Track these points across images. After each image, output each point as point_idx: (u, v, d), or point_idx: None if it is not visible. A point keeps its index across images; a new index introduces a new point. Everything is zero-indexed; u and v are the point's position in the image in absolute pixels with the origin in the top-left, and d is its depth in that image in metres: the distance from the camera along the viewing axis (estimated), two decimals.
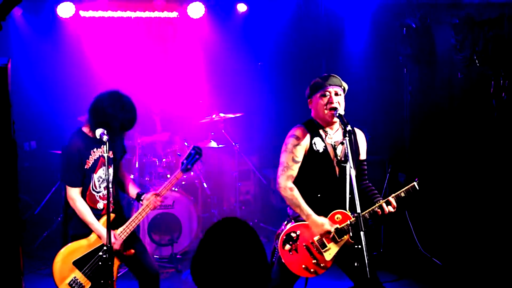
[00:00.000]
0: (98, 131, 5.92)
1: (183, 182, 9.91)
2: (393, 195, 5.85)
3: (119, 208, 6.49)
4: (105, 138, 5.82)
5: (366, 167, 6.19)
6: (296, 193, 5.81)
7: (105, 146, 5.85)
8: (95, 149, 6.18)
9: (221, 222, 3.34)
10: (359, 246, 5.45)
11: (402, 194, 5.85)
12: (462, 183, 9.40)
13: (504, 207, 9.08)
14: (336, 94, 5.84)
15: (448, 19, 10.03)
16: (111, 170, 6.23)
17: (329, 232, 5.79)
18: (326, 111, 5.83)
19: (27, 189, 10.21)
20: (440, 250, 9.29)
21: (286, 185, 5.84)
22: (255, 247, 3.31)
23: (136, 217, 6.32)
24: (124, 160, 6.81)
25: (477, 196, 9.10)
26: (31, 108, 10.57)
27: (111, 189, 6.12)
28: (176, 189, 9.46)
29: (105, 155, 5.84)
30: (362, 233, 5.34)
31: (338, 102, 5.83)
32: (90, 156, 6.16)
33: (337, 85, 5.86)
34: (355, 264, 5.70)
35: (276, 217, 11.00)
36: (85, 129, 6.21)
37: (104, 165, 6.22)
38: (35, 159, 10.96)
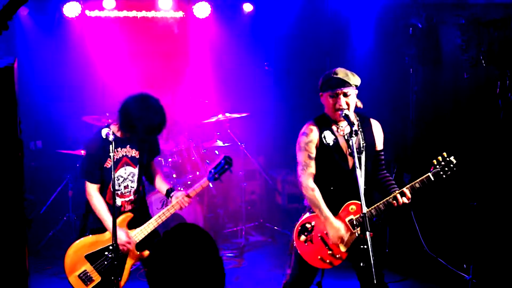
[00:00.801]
0: (104, 131, 5.96)
1: (189, 182, 9.91)
2: (408, 185, 5.88)
3: (142, 207, 6.52)
4: (111, 138, 5.85)
5: (383, 157, 6.22)
6: (317, 194, 5.86)
7: (111, 146, 5.86)
8: (119, 148, 6.21)
9: (174, 228, 3.36)
10: (365, 247, 5.45)
11: (417, 185, 5.88)
12: (467, 183, 9.38)
13: (510, 208, 9.06)
14: (345, 95, 5.86)
15: (454, 19, 10.01)
16: (134, 170, 6.28)
17: (341, 238, 5.83)
18: (334, 111, 5.87)
19: (32, 188, 10.23)
20: (446, 251, 9.27)
21: (308, 184, 5.90)
22: (209, 252, 3.33)
23: (159, 216, 6.36)
24: (156, 159, 6.87)
25: (483, 196, 9.08)
26: (37, 108, 10.59)
27: (130, 188, 6.20)
28: (181, 189, 9.46)
29: (111, 154, 5.86)
30: (368, 233, 5.35)
31: (347, 103, 5.85)
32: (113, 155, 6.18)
33: (346, 86, 5.86)
34: (361, 264, 5.73)
35: (281, 217, 11.02)
36: (113, 128, 6.22)
37: (127, 165, 6.26)
38: (41, 159, 10.97)
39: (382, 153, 6.21)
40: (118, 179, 6.25)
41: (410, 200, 5.89)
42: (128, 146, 6.24)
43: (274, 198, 11.87)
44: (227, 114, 10.25)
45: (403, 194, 5.87)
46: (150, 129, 6.08)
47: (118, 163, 6.20)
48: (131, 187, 6.33)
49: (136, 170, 6.33)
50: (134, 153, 6.28)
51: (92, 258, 6.22)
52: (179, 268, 3.21)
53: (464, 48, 9.76)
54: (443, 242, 9.44)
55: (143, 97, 6.12)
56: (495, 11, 9.52)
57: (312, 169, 5.92)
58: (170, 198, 6.50)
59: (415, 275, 8.90)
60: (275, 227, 10.88)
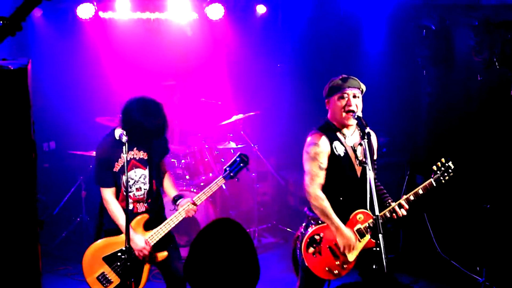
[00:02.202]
0: (117, 132, 5.99)
1: (202, 184, 9.93)
2: (411, 193, 5.90)
3: (157, 208, 6.54)
4: (124, 139, 5.87)
5: (376, 167, 6.21)
6: (326, 204, 5.84)
7: (124, 148, 5.88)
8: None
9: (212, 224, 3.38)
10: (378, 249, 5.45)
11: (421, 192, 5.88)
12: (481, 185, 9.35)
13: None
14: (354, 96, 5.84)
15: (467, 21, 9.98)
16: (144, 171, 6.30)
17: (353, 248, 5.83)
18: (343, 114, 5.84)
19: (46, 189, 10.26)
20: (459, 253, 9.25)
21: (317, 194, 5.86)
22: (246, 247, 3.36)
23: (167, 223, 6.37)
24: (166, 160, 6.89)
25: (496, 198, 9.04)
26: (50, 109, 10.61)
27: (143, 190, 6.23)
28: (194, 190, 9.47)
29: (124, 155, 5.88)
30: (380, 235, 5.34)
31: (356, 105, 5.83)
32: (120, 159, 6.22)
33: (355, 87, 5.85)
34: (373, 266, 5.74)
35: (294, 219, 11.00)
36: (118, 131, 6.26)
37: (136, 167, 6.29)
38: (54, 160, 11.00)
39: (376, 162, 6.20)
40: (129, 182, 6.26)
41: (408, 210, 5.91)
42: (135, 148, 6.27)
43: (287, 199, 11.86)
44: (240, 115, 10.24)
45: (400, 206, 5.90)
46: (152, 132, 6.13)
47: (127, 166, 6.22)
48: (144, 189, 6.35)
49: (146, 172, 6.35)
50: (142, 154, 6.30)
51: (110, 260, 6.25)
52: (217, 262, 3.24)
53: (477, 50, 9.72)
54: (456, 244, 9.42)
55: (143, 101, 6.16)
56: (508, 12, 9.48)
57: (321, 179, 5.88)
58: (176, 206, 6.50)
59: (428, 276, 8.90)
60: (288, 229, 10.89)
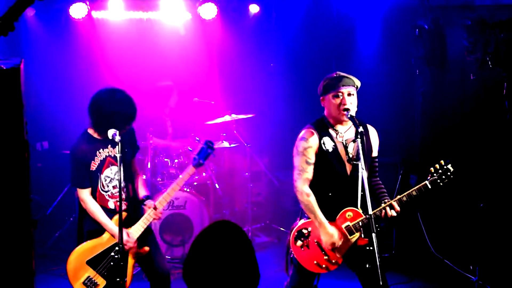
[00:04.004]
0: (110, 132, 5.97)
1: (195, 183, 9.93)
2: (405, 193, 5.87)
3: (134, 206, 6.51)
4: (117, 138, 5.86)
5: (377, 164, 6.21)
6: (312, 199, 5.88)
7: (117, 146, 5.87)
8: (101, 150, 6.25)
9: (212, 225, 3.37)
10: (371, 248, 5.46)
11: (414, 193, 5.88)
12: (474, 185, 9.37)
13: None
14: (349, 94, 5.86)
15: (460, 21, 10.00)
16: (115, 167, 6.30)
17: (334, 245, 5.85)
18: (339, 111, 5.85)
19: (39, 189, 10.24)
20: (452, 252, 9.27)
21: (303, 189, 5.91)
22: (245, 249, 3.34)
23: (145, 218, 6.36)
24: (137, 159, 6.86)
25: (489, 198, 9.06)
26: (43, 109, 10.60)
27: (123, 188, 6.18)
28: (188, 190, 9.48)
29: (118, 155, 5.86)
30: (374, 234, 5.35)
31: (351, 102, 5.84)
32: (96, 158, 6.23)
33: (350, 85, 5.87)
34: (367, 265, 5.75)
35: (287, 219, 10.98)
36: (90, 131, 6.27)
37: (112, 165, 6.28)
38: (48, 160, 10.97)
39: (377, 159, 6.20)
40: (105, 180, 6.26)
41: (399, 213, 5.90)
42: (110, 145, 6.25)
43: (280, 199, 11.87)
44: (233, 115, 10.23)
45: (392, 207, 5.88)
46: (122, 121, 6.12)
47: (103, 165, 6.23)
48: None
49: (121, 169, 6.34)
50: (116, 151, 6.28)
51: (94, 263, 6.22)
52: (216, 265, 3.23)
53: (470, 50, 9.74)
54: (450, 243, 9.43)
55: (110, 91, 6.18)
56: (501, 12, 9.50)
57: (309, 174, 5.92)
58: (144, 207, 6.50)
59: (422, 276, 8.92)
60: (281, 228, 10.90)
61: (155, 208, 6.38)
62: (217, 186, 10.46)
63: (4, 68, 3.48)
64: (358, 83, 5.96)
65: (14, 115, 3.54)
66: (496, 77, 9.26)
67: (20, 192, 3.59)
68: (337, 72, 5.98)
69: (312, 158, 5.91)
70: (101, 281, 6.22)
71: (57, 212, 10.36)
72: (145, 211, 6.48)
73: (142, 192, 6.63)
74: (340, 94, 5.84)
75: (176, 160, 9.91)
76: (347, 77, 5.90)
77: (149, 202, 6.47)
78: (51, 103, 10.83)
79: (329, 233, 5.85)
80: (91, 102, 6.17)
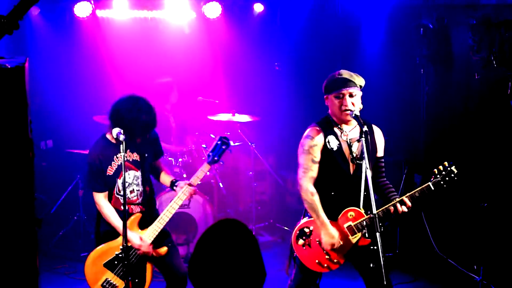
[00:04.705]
0: (115, 131, 5.96)
1: (199, 182, 9.92)
2: (408, 194, 5.85)
3: (150, 208, 6.53)
4: (121, 137, 5.86)
5: (383, 164, 6.19)
6: (316, 199, 5.87)
7: (121, 146, 5.88)
8: (118, 155, 6.23)
9: (218, 223, 3.37)
10: (375, 247, 5.46)
11: (417, 194, 5.85)
12: (478, 184, 9.35)
13: None
14: (351, 95, 5.83)
15: (465, 20, 9.98)
16: (136, 173, 6.30)
17: (333, 246, 5.85)
18: (340, 112, 5.85)
19: (43, 188, 10.25)
20: (456, 252, 9.26)
21: (308, 188, 5.89)
22: (251, 247, 3.34)
23: (168, 210, 6.35)
24: (163, 159, 6.97)
25: (493, 197, 9.05)
26: (48, 107, 10.60)
27: (135, 191, 6.22)
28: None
29: (123, 154, 5.87)
30: (378, 234, 5.34)
31: (353, 103, 5.83)
32: (113, 163, 6.25)
33: (352, 86, 5.85)
34: (371, 265, 5.75)
35: (291, 218, 10.98)
36: (109, 136, 6.28)
37: (129, 169, 6.30)
38: (52, 158, 10.98)
39: (383, 159, 6.18)
40: (123, 184, 6.28)
41: (410, 209, 5.87)
42: (128, 150, 6.26)
43: (284, 198, 11.87)
44: (237, 116, 10.22)
45: (403, 202, 5.86)
46: (144, 129, 6.14)
47: (120, 170, 6.22)
48: (136, 190, 6.35)
49: (139, 173, 6.35)
50: (135, 156, 6.29)
51: (111, 265, 6.25)
52: (222, 264, 3.23)
53: (475, 49, 9.72)
54: (453, 243, 9.43)
55: (132, 99, 6.18)
56: (506, 11, 9.48)
57: (314, 173, 5.91)
58: (174, 190, 6.51)
59: (425, 276, 8.91)
60: (285, 228, 10.88)
61: (190, 184, 6.44)
62: (221, 185, 10.45)
63: (9, 66, 3.48)
64: (362, 82, 5.93)
65: (18, 114, 3.54)
66: (501, 76, 9.25)
67: (24, 190, 3.59)
68: (340, 71, 5.95)
69: (317, 156, 5.90)
70: (119, 283, 6.25)
71: (62, 210, 10.36)
72: (172, 197, 6.48)
73: (168, 179, 6.71)
74: (341, 95, 5.83)
75: (180, 159, 9.90)
76: (349, 79, 5.86)
77: (180, 183, 6.53)
78: (56, 102, 10.83)
79: (330, 234, 5.85)
80: (112, 109, 6.17)
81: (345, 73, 5.90)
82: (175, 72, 11.24)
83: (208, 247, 3.27)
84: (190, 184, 6.43)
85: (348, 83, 5.84)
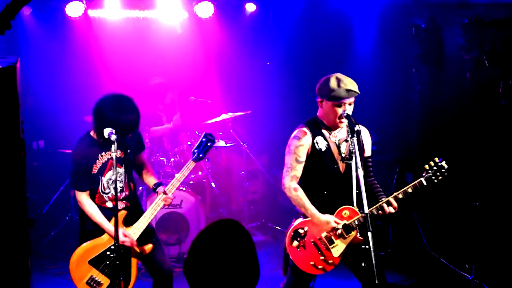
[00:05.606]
0: (106, 131, 5.95)
1: (191, 182, 9.92)
2: (400, 191, 5.86)
3: (134, 205, 6.52)
4: (113, 137, 5.85)
5: (371, 164, 6.22)
6: (300, 193, 5.90)
7: (113, 146, 5.87)
8: (103, 153, 6.24)
9: (215, 223, 3.37)
10: (367, 247, 5.46)
11: (410, 190, 5.86)
12: (471, 183, 9.37)
13: None
14: (350, 104, 5.86)
15: (457, 19, 10.00)
16: (120, 169, 6.28)
17: (335, 228, 5.84)
18: (337, 120, 5.86)
19: (35, 188, 10.22)
20: (448, 251, 9.27)
21: (291, 185, 5.94)
22: (247, 247, 3.36)
23: (146, 215, 6.36)
24: (144, 153, 6.90)
25: (485, 196, 9.07)
26: (39, 107, 10.57)
27: (118, 188, 6.17)
28: (184, 189, 9.47)
29: (114, 154, 5.86)
30: (369, 233, 5.35)
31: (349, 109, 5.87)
32: (98, 161, 6.23)
33: (353, 96, 5.85)
34: (363, 264, 5.76)
35: (284, 217, 10.99)
36: (93, 133, 6.26)
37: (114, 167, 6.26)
38: (43, 158, 10.96)
39: (370, 159, 6.21)
40: (107, 182, 6.28)
41: (397, 209, 5.89)
42: (112, 148, 6.24)
43: (277, 198, 11.87)
44: (230, 114, 10.23)
45: (389, 203, 5.87)
46: (127, 128, 6.12)
47: (104, 168, 6.23)
48: (120, 187, 6.32)
49: (122, 170, 6.34)
50: (118, 154, 6.26)
51: (96, 262, 6.24)
52: (218, 263, 3.23)
53: (467, 48, 9.74)
54: (445, 242, 9.44)
55: (115, 98, 6.16)
56: (498, 11, 9.50)
57: (297, 172, 5.95)
58: (156, 193, 6.50)
59: (417, 275, 8.92)
60: (277, 227, 10.89)
61: (165, 193, 6.39)
62: (213, 184, 10.46)
63: (1, 66, 3.48)
64: (358, 90, 5.93)
65: (10, 114, 3.53)
66: (492, 75, 9.27)
67: (16, 191, 3.59)
68: (340, 78, 5.89)
69: (302, 157, 5.93)
70: (104, 280, 6.24)
71: (53, 211, 10.34)
72: (153, 200, 6.49)
73: (152, 181, 6.65)
74: (342, 104, 5.83)
75: (172, 159, 9.90)
76: (352, 89, 5.83)
77: (160, 188, 6.48)
78: (47, 102, 10.81)
79: (324, 220, 5.87)
80: (96, 107, 6.14)
81: (347, 82, 5.84)
82: (167, 72, 11.23)
83: (205, 246, 3.28)
84: (164, 193, 6.41)
85: (351, 93, 5.83)
